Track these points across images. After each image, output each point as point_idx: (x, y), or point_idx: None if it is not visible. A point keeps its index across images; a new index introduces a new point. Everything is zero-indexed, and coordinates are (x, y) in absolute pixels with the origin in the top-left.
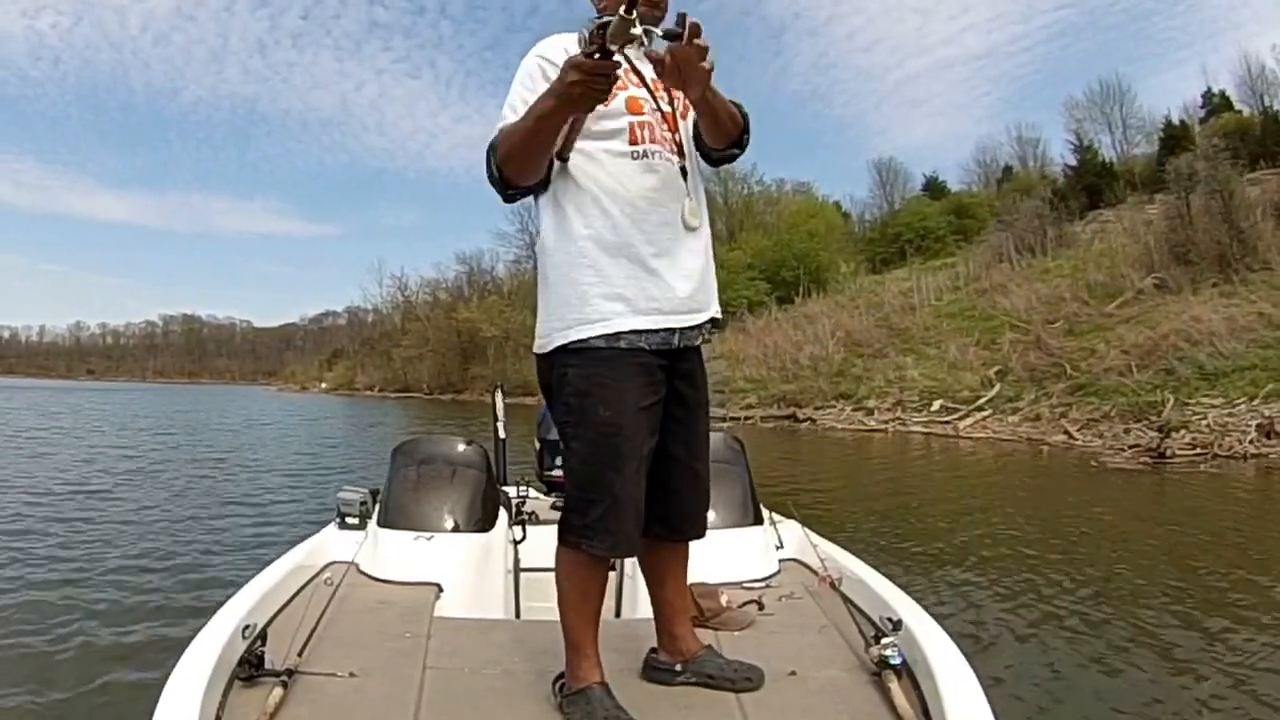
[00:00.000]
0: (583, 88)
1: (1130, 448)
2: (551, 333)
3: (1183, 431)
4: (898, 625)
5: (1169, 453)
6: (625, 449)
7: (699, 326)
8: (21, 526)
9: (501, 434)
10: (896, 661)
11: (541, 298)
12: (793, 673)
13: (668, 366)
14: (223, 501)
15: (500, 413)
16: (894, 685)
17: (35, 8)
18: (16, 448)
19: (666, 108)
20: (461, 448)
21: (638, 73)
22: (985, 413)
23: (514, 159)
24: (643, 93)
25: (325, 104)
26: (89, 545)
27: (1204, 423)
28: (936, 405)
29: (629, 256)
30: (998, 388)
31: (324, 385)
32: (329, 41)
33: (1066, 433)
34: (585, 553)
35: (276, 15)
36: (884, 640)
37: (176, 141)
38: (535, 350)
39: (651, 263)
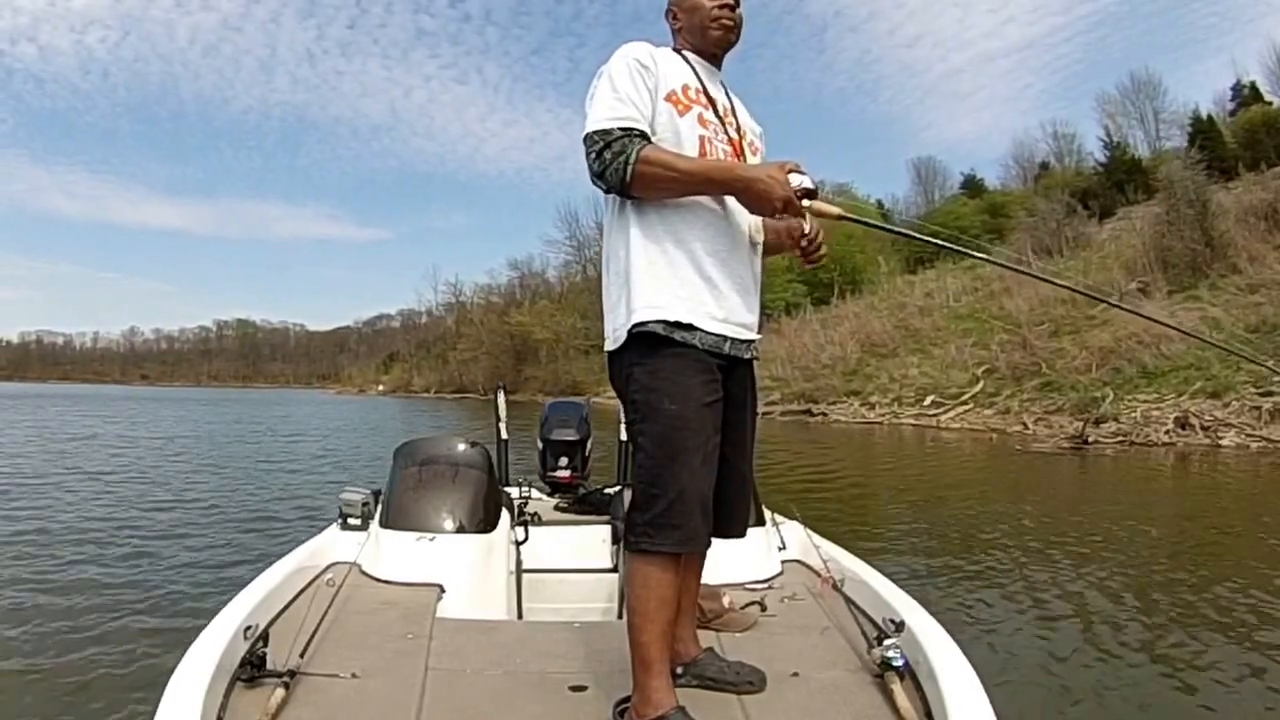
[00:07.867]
0: (771, 205)
1: (1063, 434)
2: (624, 324)
3: (1110, 423)
4: (900, 627)
5: (1089, 439)
6: (691, 442)
7: (748, 342)
8: (25, 527)
9: (504, 434)
10: (899, 663)
11: (613, 295)
12: (795, 674)
13: (725, 368)
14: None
15: (503, 413)
16: (896, 687)
17: (83, 23)
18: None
19: (734, 134)
20: (463, 448)
21: (711, 99)
22: (967, 407)
23: (658, 190)
24: (710, 115)
25: (374, 110)
26: (91, 544)
27: (1133, 415)
28: (928, 400)
29: (699, 264)
30: (981, 384)
31: (381, 387)
32: (376, 50)
33: (1024, 424)
34: (654, 554)
35: (323, 25)
36: (886, 642)
37: (228, 150)
38: (606, 349)
39: (715, 272)
